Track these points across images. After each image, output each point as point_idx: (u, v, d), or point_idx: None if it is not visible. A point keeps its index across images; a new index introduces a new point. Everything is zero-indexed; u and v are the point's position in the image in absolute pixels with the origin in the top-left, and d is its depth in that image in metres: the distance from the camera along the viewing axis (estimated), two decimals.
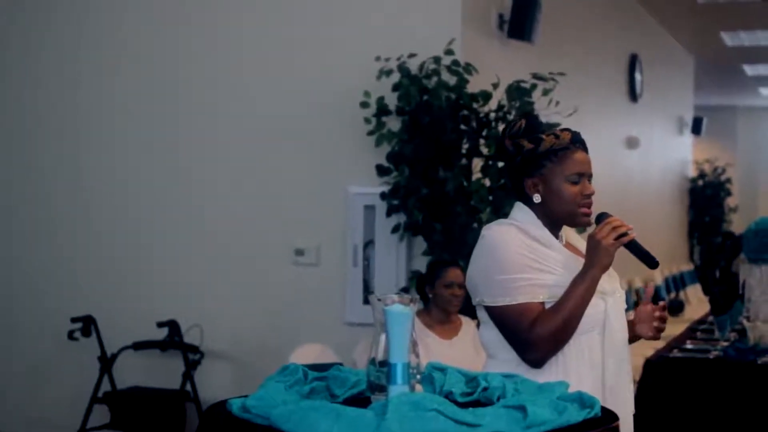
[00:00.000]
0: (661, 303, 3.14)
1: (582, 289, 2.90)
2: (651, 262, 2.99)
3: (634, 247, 2.99)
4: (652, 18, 11.68)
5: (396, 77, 5.86)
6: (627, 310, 3.14)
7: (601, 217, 3.00)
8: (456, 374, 2.52)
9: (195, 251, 6.61)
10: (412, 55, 5.88)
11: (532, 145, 3.01)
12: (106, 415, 6.27)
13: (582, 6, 8.89)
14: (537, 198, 3.02)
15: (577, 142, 3.04)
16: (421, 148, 5.73)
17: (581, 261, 2.98)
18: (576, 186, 3.00)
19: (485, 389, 2.44)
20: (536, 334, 2.87)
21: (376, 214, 6.10)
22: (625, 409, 2.95)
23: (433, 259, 5.57)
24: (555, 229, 3.06)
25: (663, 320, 3.14)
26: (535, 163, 3.01)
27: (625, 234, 2.94)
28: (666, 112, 13.10)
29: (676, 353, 6.03)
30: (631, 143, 10.87)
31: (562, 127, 3.19)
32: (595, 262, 2.93)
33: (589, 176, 3.05)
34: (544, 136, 3.02)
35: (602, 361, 2.98)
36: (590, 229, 3.04)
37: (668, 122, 13.32)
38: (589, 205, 3.02)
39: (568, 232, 3.16)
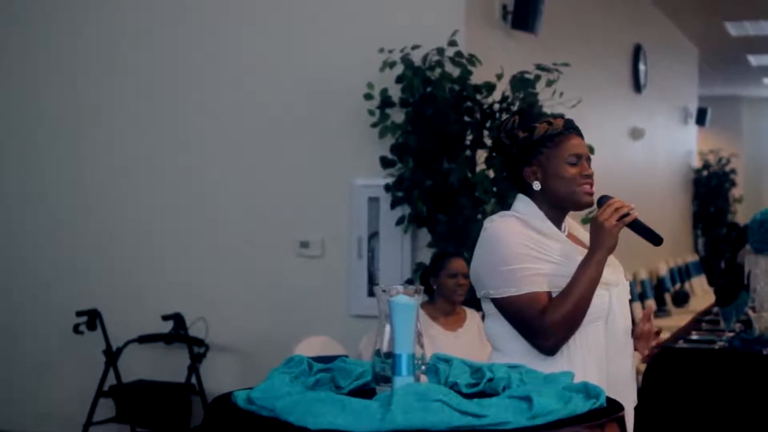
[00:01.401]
0: (656, 329, 3.14)
1: (589, 272, 2.91)
2: (655, 239, 2.99)
3: (638, 226, 2.99)
4: (656, 8, 11.66)
5: (399, 69, 5.85)
6: (631, 301, 3.14)
7: (603, 200, 3.01)
8: (461, 365, 2.51)
9: (199, 244, 6.61)
10: (415, 47, 5.87)
11: (526, 134, 3.04)
12: (112, 408, 6.28)
13: None
14: (537, 185, 3.03)
15: (570, 128, 3.06)
16: (425, 140, 5.72)
17: (583, 251, 2.98)
18: (575, 167, 3.01)
19: (490, 380, 2.44)
20: (548, 320, 2.87)
21: (380, 206, 6.10)
22: (626, 401, 2.94)
23: (437, 251, 5.57)
24: (558, 218, 3.07)
25: (658, 346, 3.17)
26: (531, 151, 3.03)
27: (627, 214, 2.95)
28: (670, 103, 13.07)
29: (681, 344, 6.02)
30: (636, 134, 10.85)
31: (555, 114, 3.21)
32: (599, 245, 2.93)
33: (588, 158, 3.05)
34: (537, 125, 3.04)
35: (606, 352, 2.99)
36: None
37: (672, 113, 13.30)
38: (590, 185, 3.03)
39: (571, 223, 3.16)
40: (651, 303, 3.28)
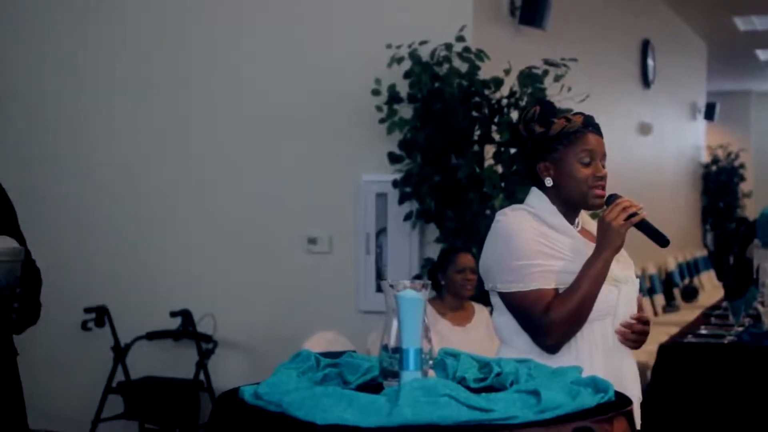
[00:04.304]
0: (638, 315, 3.08)
1: (594, 271, 2.90)
2: (662, 241, 2.98)
3: (645, 227, 2.98)
4: (664, 3, 11.63)
5: (407, 64, 5.84)
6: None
7: (611, 199, 3.00)
8: (469, 360, 2.51)
9: (207, 241, 6.61)
10: (423, 42, 5.86)
11: (543, 129, 3.01)
12: (120, 405, 6.29)
13: None
14: (549, 182, 3.02)
15: (589, 125, 3.04)
16: (433, 136, 5.71)
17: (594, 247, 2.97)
18: (588, 168, 3.00)
19: (498, 374, 2.43)
20: (551, 318, 2.87)
21: (388, 201, 6.09)
22: (632, 397, 2.93)
23: (445, 246, 5.57)
24: (570, 215, 3.05)
25: (641, 333, 3.04)
26: (546, 147, 3.01)
27: (635, 214, 2.94)
28: (678, 98, 13.04)
29: (690, 339, 6.02)
30: (644, 129, 10.83)
31: (575, 111, 3.18)
32: (606, 244, 2.92)
33: (603, 157, 3.03)
34: (555, 120, 3.02)
35: (613, 348, 2.98)
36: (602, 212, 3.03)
37: (681, 108, 13.27)
38: (602, 187, 3.01)
39: (585, 218, 3.15)
40: (639, 296, 3.21)
